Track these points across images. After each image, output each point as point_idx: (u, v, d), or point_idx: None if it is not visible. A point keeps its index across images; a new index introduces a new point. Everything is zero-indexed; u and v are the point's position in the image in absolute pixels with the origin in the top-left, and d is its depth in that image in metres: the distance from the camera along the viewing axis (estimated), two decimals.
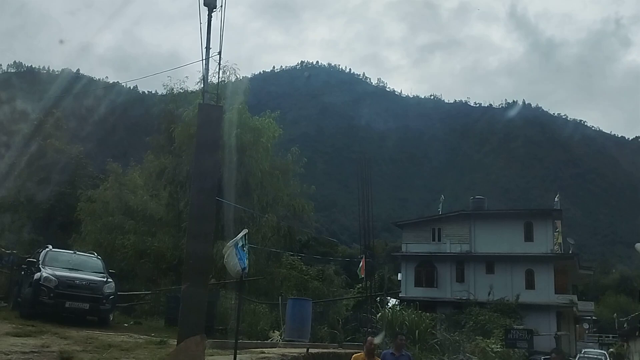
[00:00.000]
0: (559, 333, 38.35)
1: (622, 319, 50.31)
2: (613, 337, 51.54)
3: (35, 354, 8.15)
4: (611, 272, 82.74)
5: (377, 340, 10.08)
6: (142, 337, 12.46)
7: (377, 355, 9.53)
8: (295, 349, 11.69)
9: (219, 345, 11.29)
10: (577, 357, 31.44)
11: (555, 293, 39.15)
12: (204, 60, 9.14)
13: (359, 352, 9.62)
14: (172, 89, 27.40)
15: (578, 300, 43.12)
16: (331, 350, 13.52)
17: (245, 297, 18.98)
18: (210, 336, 12.26)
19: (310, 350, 11.46)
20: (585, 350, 37.07)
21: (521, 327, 28.86)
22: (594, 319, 54.05)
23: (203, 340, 7.77)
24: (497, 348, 22.23)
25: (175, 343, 8.17)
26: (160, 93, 32.82)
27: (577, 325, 47.69)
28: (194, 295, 7.83)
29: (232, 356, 8.42)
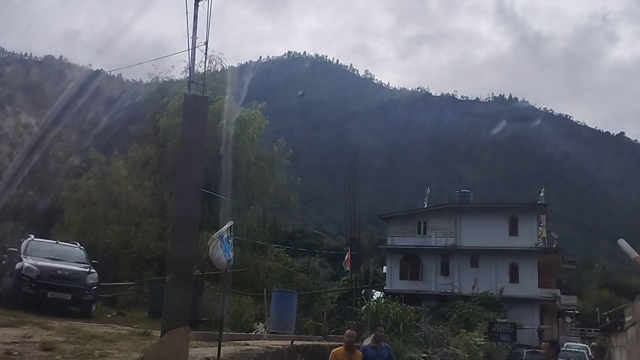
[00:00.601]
0: (542, 327, 38.74)
1: (604, 313, 50.86)
2: (595, 331, 52.10)
3: (17, 345, 8.04)
4: (594, 266, 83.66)
5: (367, 342, 9.65)
6: (125, 328, 12.36)
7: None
8: (280, 341, 11.67)
9: (203, 337, 11.23)
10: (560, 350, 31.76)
11: (539, 287, 39.51)
12: (190, 50, 9.01)
13: (338, 347, 9.25)
14: (158, 78, 27.25)
15: (561, 294, 43.54)
16: (315, 342, 13.52)
17: (230, 289, 18.92)
18: (194, 328, 12.19)
19: (295, 342, 11.44)
20: (568, 344, 37.44)
21: (505, 320, 29.10)
22: (576, 313, 54.64)
23: (187, 332, 7.70)
24: (481, 341, 22.39)
25: (159, 334, 8.10)
26: (145, 82, 32.53)
27: (560, 319, 48.20)
28: (178, 286, 7.75)
29: (217, 348, 8.37)
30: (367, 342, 9.74)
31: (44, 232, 21.46)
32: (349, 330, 9.44)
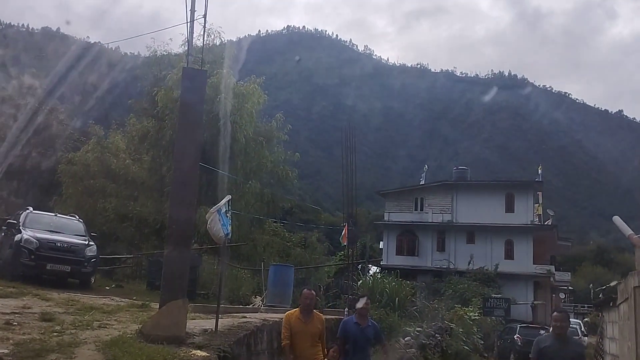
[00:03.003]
0: (535, 302, 39.12)
1: (597, 289, 51.33)
2: (588, 307, 52.62)
3: (16, 315, 8.11)
4: (589, 243, 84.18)
5: (360, 304, 8.13)
6: (123, 300, 12.47)
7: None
8: (277, 314, 11.78)
9: (201, 309, 11.34)
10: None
11: (534, 263, 39.81)
12: (188, 23, 8.94)
13: (292, 310, 8.05)
14: (156, 52, 27.02)
15: (555, 270, 43.90)
16: None
17: (228, 263, 19.04)
18: (192, 301, 12.31)
19: None
20: None
21: (499, 296, 29.41)
22: (570, 289, 55.15)
23: (185, 304, 7.78)
24: (475, 316, 22.63)
25: (157, 306, 8.19)
26: (143, 55, 32.31)
27: (554, 295, 48.61)
28: (176, 259, 7.81)
29: (215, 320, 8.47)
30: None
31: (42, 205, 21.49)
32: (305, 290, 7.76)
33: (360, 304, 8.16)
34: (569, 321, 7.07)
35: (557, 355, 6.66)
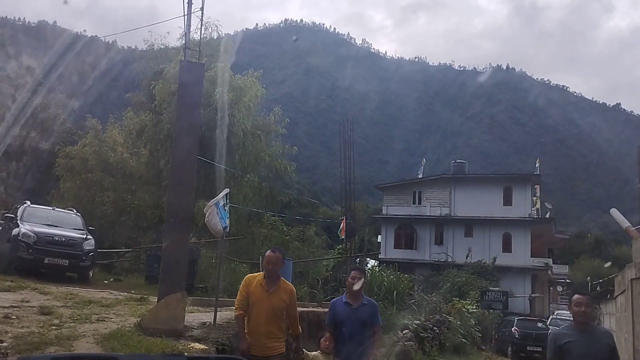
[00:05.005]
0: (533, 295, 39.27)
1: (594, 282, 51.47)
2: None
3: (15, 309, 8.12)
4: (586, 236, 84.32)
5: (357, 286, 6.42)
6: (122, 293, 12.49)
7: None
8: None
9: (199, 302, 11.38)
10: (550, 318, 32.33)
11: (531, 256, 39.94)
12: (185, 16, 8.92)
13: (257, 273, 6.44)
14: (153, 45, 26.92)
15: (553, 263, 44.07)
16: (310, 309, 13.69)
17: (226, 256, 19.05)
18: (190, 294, 12.34)
19: None
20: (558, 312, 38.02)
21: (497, 289, 29.49)
22: (567, 282, 55.22)
23: (184, 297, 7.80)
24: (473, 309, 22.69)
25: (156, 300, 8.20)
26: (140, 49, 32.20)
27: (551, 288, 48.83)
28: (175, 252, 7.83)
29: (213, 313, 8.49)
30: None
31: (39, 199, 21.46)
32: (269, 252, 6.17)
33: (355, 282, 6.41)
34: (594, 306, 5.51)
35: (585, 353, 5.01)
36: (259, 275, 6.13)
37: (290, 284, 6.42)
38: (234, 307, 6.13)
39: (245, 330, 5.88)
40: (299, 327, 6.40)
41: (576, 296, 5.25)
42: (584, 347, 5.00)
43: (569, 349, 5.05)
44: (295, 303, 6.18)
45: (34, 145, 28.35)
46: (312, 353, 6.36)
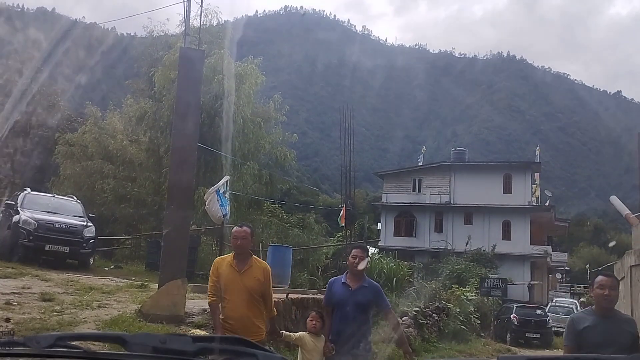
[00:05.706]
0: (532, 282, 39.41)
1: (593, 270, 51.70)
2: (584, 287, 52.97)
3: (16, 295, 8.16)
4: (586, 224, 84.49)
5: (362, 266, 5.85)
6: (122, 280, 12.54)
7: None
8: (275, 294, 11.84)
9: (200, 289, 11.40)
10: (549, 305, 32.49)
11: (531, 244, 40.01)
12: (185, 2, 8.89)
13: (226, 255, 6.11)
14: (152, 32, 26.82)
15: (552, 251, 44.15)
16: (310, 295, 13.75)
17: (226, 243, 19.10)
18: (191, 281, 12.37)
19: (290, 295, 11.62)
20: (557, 299, 38.26)
21: (496, 276, 29.55)
22: (566, 269, 55.47)
23: (184, 284, 7.84)
24: (472, 296, 22.77)
25: (157, 287, 8.23)
26: (139, 35, 32.03)
27: (550, 275, 48.98)
28: (175, 239, 7.85)
29: None
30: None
31: (39, 186, 21.48)
32: (236, 227, 5.61)
33: (356, 261, 5.81)
34: (618, 290, 4.99)
35: (604, 341, 4.55)
36: (228, 256, 5.65)
37: (263, 261, 5.92)
38: None
39: (221, 317, 5.40)
40: (274, 308, 5.89)
41: (600, 277, 4.78)
42: (604, 334, 4.58)
43: (587, 335, 4.63)
44: (270, 282, 5.61)
45: (34, 132, 28.32)
46: (297, 334, 6.01)
